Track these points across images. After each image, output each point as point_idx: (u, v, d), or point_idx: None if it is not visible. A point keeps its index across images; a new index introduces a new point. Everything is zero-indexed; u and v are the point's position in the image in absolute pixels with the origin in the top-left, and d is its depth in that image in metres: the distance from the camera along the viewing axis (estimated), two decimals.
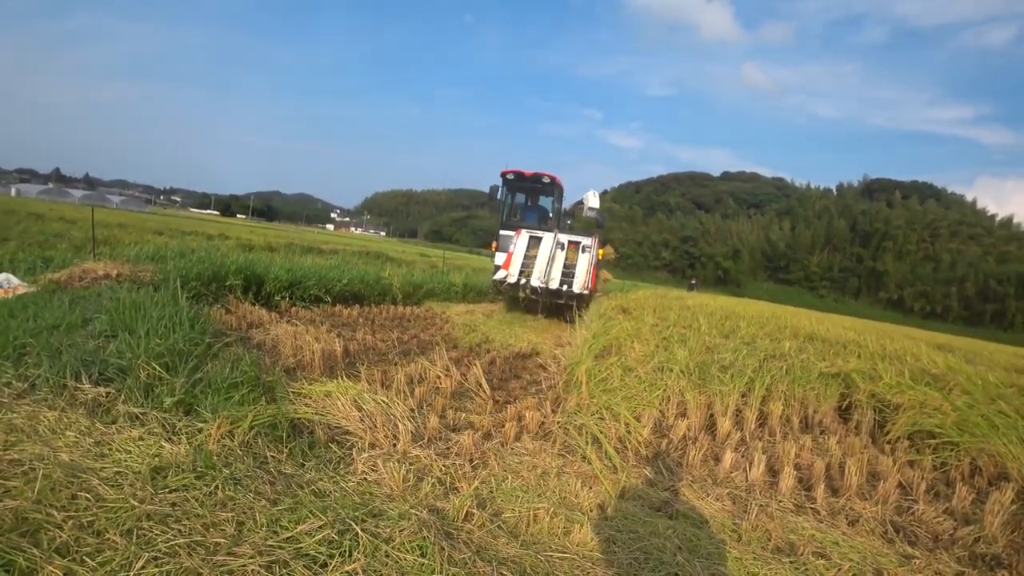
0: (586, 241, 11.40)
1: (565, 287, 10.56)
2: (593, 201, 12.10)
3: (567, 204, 14.10)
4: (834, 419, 5.69)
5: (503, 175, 12.39)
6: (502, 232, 12.36)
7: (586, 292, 10.40)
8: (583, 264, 10.88)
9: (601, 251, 14.49)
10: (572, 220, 13.23)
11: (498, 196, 12.70)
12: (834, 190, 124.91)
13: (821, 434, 5.25)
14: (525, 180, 12.39)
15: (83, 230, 14.30)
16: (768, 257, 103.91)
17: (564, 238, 11.56)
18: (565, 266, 11.06)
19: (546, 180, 12.03)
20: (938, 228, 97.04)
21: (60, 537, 2.05)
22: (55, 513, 2.18)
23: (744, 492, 3.68)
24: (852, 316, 41.63)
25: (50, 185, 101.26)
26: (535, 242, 11.50)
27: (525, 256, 11.38)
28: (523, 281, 10.83)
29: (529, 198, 13.07)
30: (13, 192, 77.09)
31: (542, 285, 10.65)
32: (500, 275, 11.40)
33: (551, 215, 12.46)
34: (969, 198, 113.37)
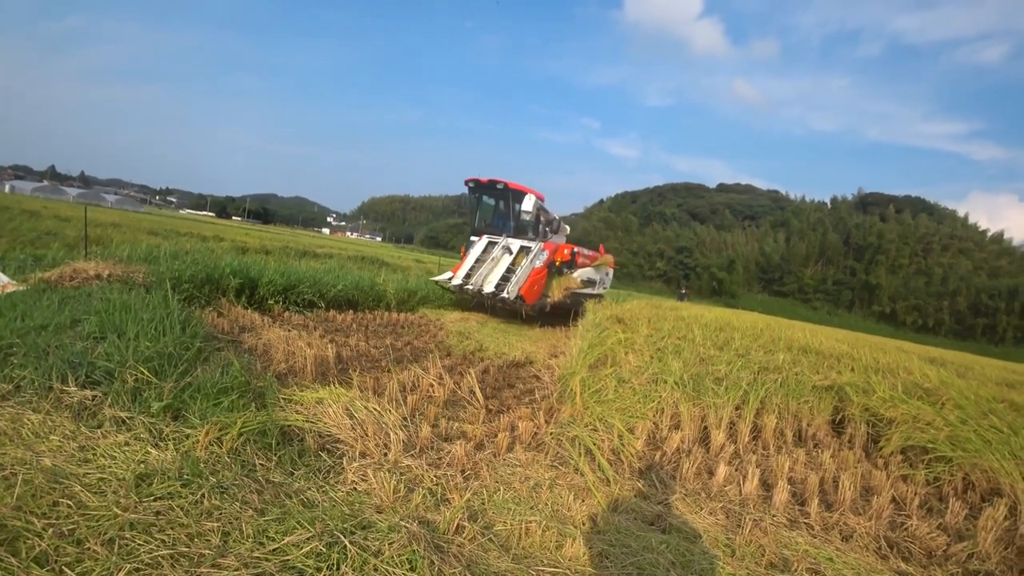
0: (534, 246, 11.37)
1: (497, 291, 10.64)
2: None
3: (554, 211, 14.11)
4: (828, 433, 5.68)
5: (466, 183, 12.57)
6: (472, 238, 12.73)
7: (510, 296, 10.27)
8: (522, 269, 10.85)
9: (601, 259, 13.85)
10: (548, 226, 13.02)
11: (467, 204, 13.12)
12: (828, 203, 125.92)
13: (815, 448, 5.23)
14: (484, 187, 12.43)
15: (77, 229, 14.19)
16: (762, 269, 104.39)
17: (515, 243, 11.69)
18: (507, 270, 11.09)
19: (500, 187, 12.00)
20: (930, 242, 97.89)
21: (39, 546, 2.01)
22: (35, 520, 2.13)
23: (738, 506, 3.65)
24: (845, 328, 41.78)
25: (45, 183, 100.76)
26: (492, 247, 11.86)
27: (477, 260, 11.71)
28: (459, 283, 11.28)
29: (498, 205, 13.11)
30: (7, 189, 76.59)
31: (472, 287, 10.99)
32: (443, 276, 11.92)
33: (512, 221, 12.47)
34: (961, 213, 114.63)
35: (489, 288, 10.77)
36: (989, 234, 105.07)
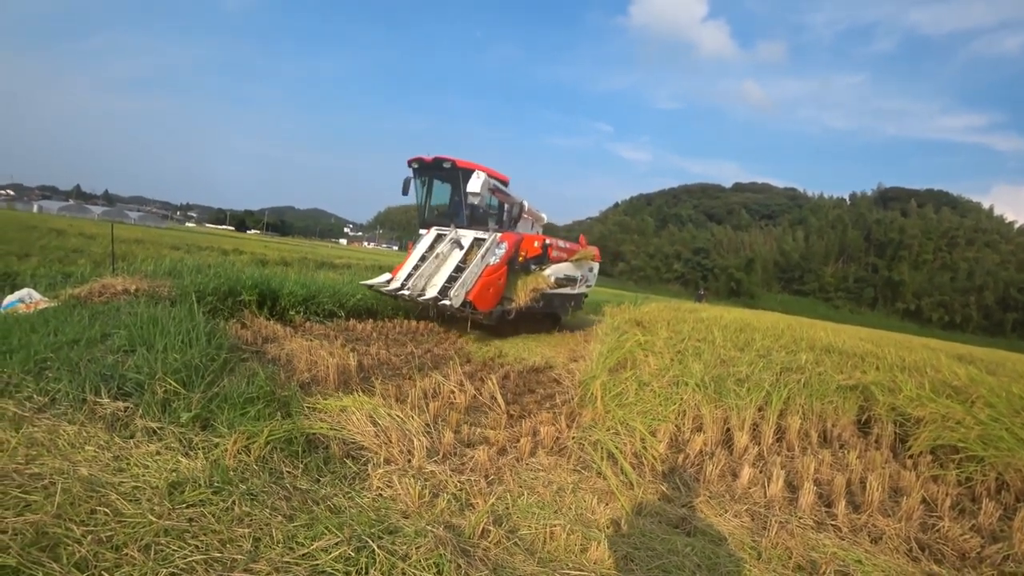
0: (488, 238, 9.28)
1: (440, 296, 8.57)
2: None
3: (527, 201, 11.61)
4: (853, 433, 5.59)
5: (409, 164, 10.44)
6: (421, 231, 10.56)
7: (454, 303, 8.18)
8: (472, 268, 8.75)
9: (581, 252, 11.88)
10: (509, 212, 10.84)
11: (410, 190, 10.69)
12: (847, 199, 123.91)
13: (840, 449, 5.16)
14: (429, 167, 10.22)
15: (102, 245, 14.57)
16: (782, 268, 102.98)
17: (467, 235, 9.63)
18: (456, 269, 9.13)
19: (447, 165, 9.83)
20: (955, 236, 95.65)
21: (79, 552, 2.07)
22: (74, 527, 2.20)
23: (763, 508, 3.62)
24: (869, 327, 41.05)
25: (71, 201, 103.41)
26: (440, 241, 9.90)
27: (421, 258, 9.70)
28: (396, 287, 9.16)
29: (454, 190, 10.68)
30: (35, 208, 78.76)
31: (409, 292, 8.86)
32: (380, 279, 9.72)
33: (465, 208, 10.08)
34: (986, 205, 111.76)
35: (432, 292, 8.71)
36: (1016, 226, 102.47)
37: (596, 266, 13.16)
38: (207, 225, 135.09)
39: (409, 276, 9.32)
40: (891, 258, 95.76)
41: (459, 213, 10.06)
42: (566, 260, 11.32)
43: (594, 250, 12.77)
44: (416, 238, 10.48)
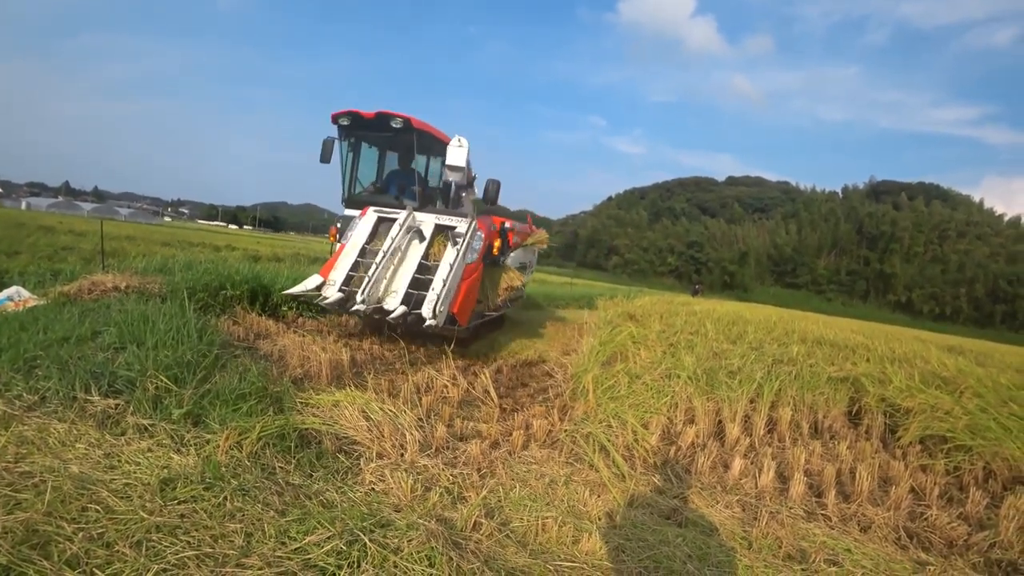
0: (463, 226, 6.93)
1: (410, 311, 6.08)
2: (455, 156, 6.53)
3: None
4: (844, 424, 5.64)
5: (335, 120, 7.34)
6: (347, 212, 7.75)
7: (438, 321, 5.99)
8: (451, 269, 6.41)
9: (531, 238, 9.96)
10: (464, 190, 7.53)
11: (334, 156, 7.64)
12: (840, 193, 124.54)
13: (831, 439, 5.20)
14: (367, 126, 7.33)
15: (92, 242, 14.45)
16: (775, 261, 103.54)
17: (428, 220, 7.08)
18: (420, 269, 6.62)
19: (397, 124, 6.98)
20: (946, 229, 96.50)
21: (70, 549, 2.07)
22: (65, 525, 2.20)
23: (754, 499, 3.65)
24: (860, 319, 41.32)
25: (60, 198, 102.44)
26: (385, 228, 7.08)
27: (363, 251, 6.91)
28: (338, 297, 6.31)
29: (392, 157, 8.21)
30: (23, 206, 78.00)
31: (364, 305, 6.02)
32: (307, 284, 6.69)
33: (418, 182, 7.54)
34: (976, 198, 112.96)
35: (394, 305, 6.13)
36: (1006, 219, 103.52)
37: (538, 250, 11.30)
38: (199, 221, 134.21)
39: (350, 279, 6.58)
40: (883, 251, 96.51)
41: (407, 190, 7.62)
42: (520, 246, 9.39)
43: (546, 234, 10.84)
44: (344, 222, 7.52)
